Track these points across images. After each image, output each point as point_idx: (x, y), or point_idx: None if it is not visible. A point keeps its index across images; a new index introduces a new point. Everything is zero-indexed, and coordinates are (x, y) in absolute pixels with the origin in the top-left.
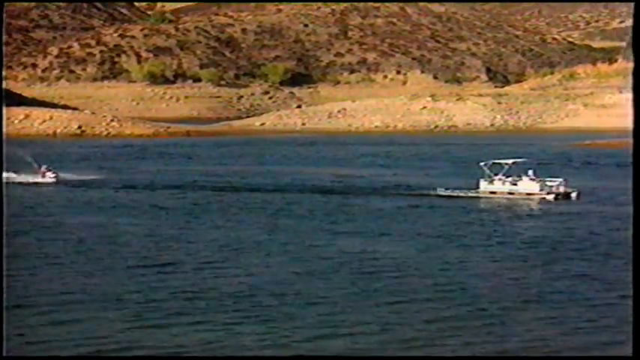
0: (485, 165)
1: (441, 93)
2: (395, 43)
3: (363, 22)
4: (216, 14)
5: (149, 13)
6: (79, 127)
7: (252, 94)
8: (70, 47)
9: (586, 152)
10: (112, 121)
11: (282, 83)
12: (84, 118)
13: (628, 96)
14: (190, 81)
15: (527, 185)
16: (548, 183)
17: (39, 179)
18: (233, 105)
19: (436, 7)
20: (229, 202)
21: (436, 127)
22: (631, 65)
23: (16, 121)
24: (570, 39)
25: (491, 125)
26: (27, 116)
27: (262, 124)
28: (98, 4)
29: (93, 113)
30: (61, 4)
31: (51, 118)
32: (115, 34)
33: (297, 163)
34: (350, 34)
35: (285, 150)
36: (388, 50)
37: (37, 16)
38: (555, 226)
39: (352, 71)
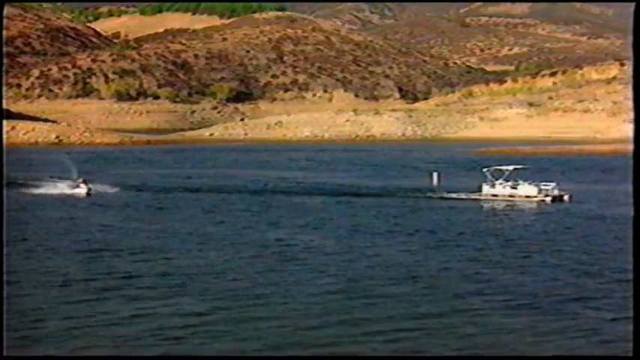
0: (487, 170)
1: (361, 108)
2: (322, 67)
3: (295, 48)
4: (172, 42)
5: (115, 41)
6: (57, 137)
7: (203, 109)
8: (49, 70)
9: (483, 158)
10: (84, 131)
11: (227, 100)
12: (61, 130)
13: (517, 111)
14: (151, 98)
15: (526, 189)
16: (544, 187)
17: (73, 191)
18: (186, 118)
19: (356, 37)
20: (182, 200)
21: (357, 136)
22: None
23: (4, 133)
24: (468, 63)
25: (403, 135)
26: (13, 128)
27: (211, 135)
28: (71, 34)
29: (69, 125)
30: (41, 33)
31: (33, 129)
32: (88, 59)
33: (241, 167)
34: (285, 58)
35: (230, 156)
36: (316, 72)
37: (21, 44)
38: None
39: (287, 90)
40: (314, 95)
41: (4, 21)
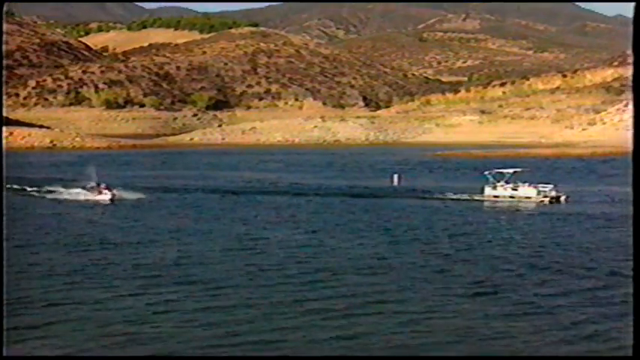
0: (489, 173)
1: (328, 115)
2: (293, 77)
3: (268, 61)
4: (156, 55)
5: (105, 54)
6: (51, 142)
7: (184, 116)
8: (44, 80)
9: (441, 160)
10: (76, 137)
11: (207, 108)
12: (55, 135)
13: (470, 117)
14: (137, 106)
15: (526, 190)
16: (542, 188)
17: (97, 197)
18: (169, 124)
19: (324, 50)
20: (164, 199)
21: (324, 141)
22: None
23: (3, 138)
24: (426, 75)
25: (366, 140)
26: (11, 134)
27: (191, 139)
28: (64, 48)
29: (61, 131)
30: (37, 47)
31: (29, 135)
32: (79, 70)
33: (219, 169)
34: (258, 70)
35: (208, 159)
36: (288, 83)
37: (19, 57)
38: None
39: (260, 99)
40: (285, 103)
41: (4, 26)
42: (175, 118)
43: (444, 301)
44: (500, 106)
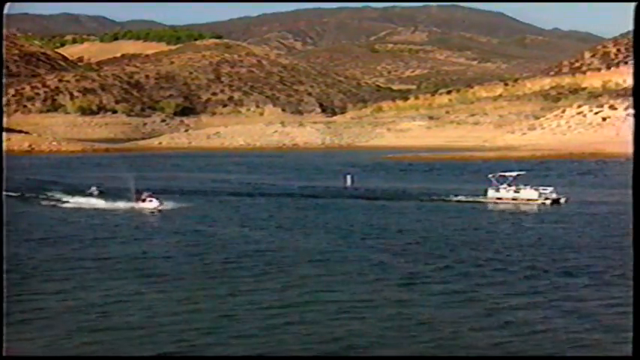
0: (493, 176)
1: (287, 121)
2: (254, 86)
3: (231, 70)
4: (127, 65)
5: (79, 64)
6: (30, 146)
7: (153, 122)
8: (23, 89)
9: (392, 162)
10: (52, 141)
11: (174, 114)
12: (33, 139)
13: (419, 123)
14: (109, 112)
15: (528, 193)
16: (543, 191)
17: (140, 205)
18: (139, 129)
19: (283, 60)
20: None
21: (284, 145)
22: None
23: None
24: (378, 83)
25: (323, 143)
26: None
27: (160, 143)
28: (42, 58)
29: (39, 136)
30: (16, 58)
31: (9, 139)
32: (55, 79)
33: (185, 170)
34: (222, 79)
35: (175, 161)
36: (249, 91)
37: None
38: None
39: (224, 105)
40: (247, 110)
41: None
42: (145, 124)
43: (381, 291)
44: (447, 112)
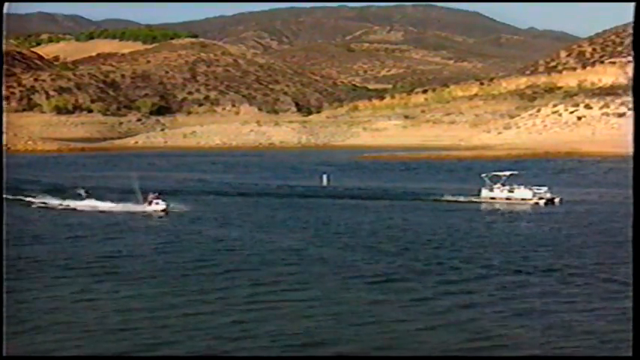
0: (486, 176)
1: (263, 120)
2: (230, 85)
3: (207, 70)
4: (103, 64)
5: (55, 63)
6: (5, 145)
7: (129, 121)
8: None
9: (368, 161)
10: (28, 140)
11: (150, 113)
12: (9, 139)
13: (395, 122)
14: (85, 112)
15: (522, 192)
16: (537, 190)
17: (147, 208)
18: (115, 129)
19: (259, 60)
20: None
21: (260, 144)
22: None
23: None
24: (354, 82)
25: (299, 143)
26: None
27: (136, 142)
28: (18, 57)
29: (15, 135)
30: None
31: None
32: (31, 78)
33: (161, 169)
34: (198, 78)
35: (151, 160)
36: (225, 90)
37: None
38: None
39: (200, 105)
40: (223, 109)
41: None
42: (121, 123)
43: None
44: (423, 111)
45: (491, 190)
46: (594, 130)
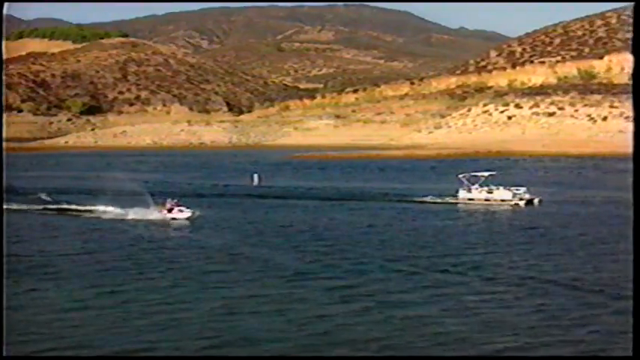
0: (464, 176)
1: (194, 120)
2: (161, 84)
3: (138, 69)
4: (33, 63)
5: None
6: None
7: (59, 121)
8: None
9: (299, 161)
10: None
11: (81, 113)
12: None
13: (326, 122)
14: (15, 111)
15: (501, 193)
16: (516, 191)
17: (164, 215)
18: (45, 129)
19: (190, 59)
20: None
21: (191, 144)
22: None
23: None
24: (285, 82)
25: (230, 142)
26: None
27: (66, 142)
28: None
29: None
30: None
31: None
32: None
33: (90, 170)
34: (129, 77)
35: (81, 160)
36: (156, 89)
37: None
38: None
39: (131, 104)
40: (154, 109)
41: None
42: (51, 123)
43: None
44: (354, 111)
45: (470, 191)
46: (524, 129)
